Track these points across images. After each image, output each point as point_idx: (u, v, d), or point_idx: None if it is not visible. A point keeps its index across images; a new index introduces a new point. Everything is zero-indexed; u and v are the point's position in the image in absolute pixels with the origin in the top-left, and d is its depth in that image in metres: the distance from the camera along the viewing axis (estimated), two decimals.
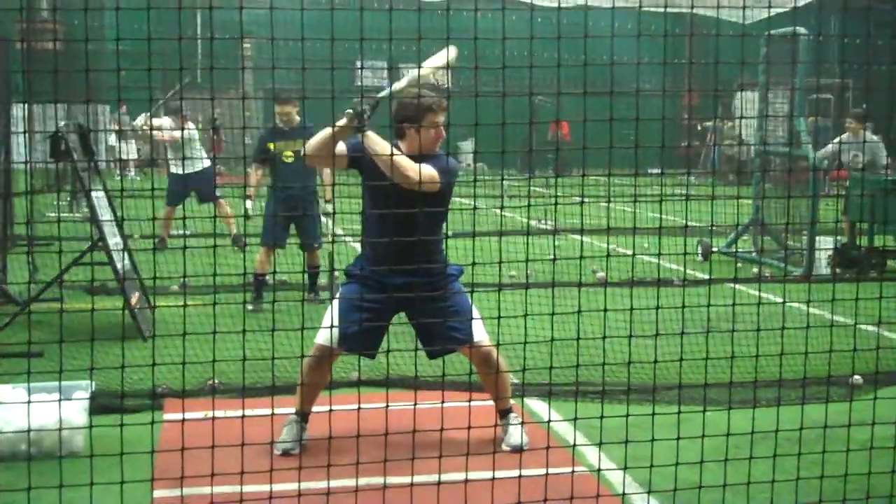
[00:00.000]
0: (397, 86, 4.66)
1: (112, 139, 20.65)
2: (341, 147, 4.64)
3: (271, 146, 8.51)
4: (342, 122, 4.43)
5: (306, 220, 8.51)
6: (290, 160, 8.39)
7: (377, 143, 4.51)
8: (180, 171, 11.79)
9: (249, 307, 8.36)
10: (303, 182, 8.42)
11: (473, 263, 3.45)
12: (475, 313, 4.81)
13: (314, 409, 4.93)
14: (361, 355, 4.82)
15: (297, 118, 8.51)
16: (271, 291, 8.58)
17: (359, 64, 5.86)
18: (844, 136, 12.22)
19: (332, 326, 4.62)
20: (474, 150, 4.16)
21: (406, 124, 4.73)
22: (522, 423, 5.02)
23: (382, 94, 4.59)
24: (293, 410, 4.98)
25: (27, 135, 5.82)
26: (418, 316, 4.79)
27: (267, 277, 8.77)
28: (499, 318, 3.46)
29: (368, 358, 4.94)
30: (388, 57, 3.89)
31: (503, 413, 5.05)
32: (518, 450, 4.80)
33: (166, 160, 12.22)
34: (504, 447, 4.88)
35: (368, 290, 4.76)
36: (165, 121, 12.03)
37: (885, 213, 10.65)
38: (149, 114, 10.79)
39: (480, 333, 4.91)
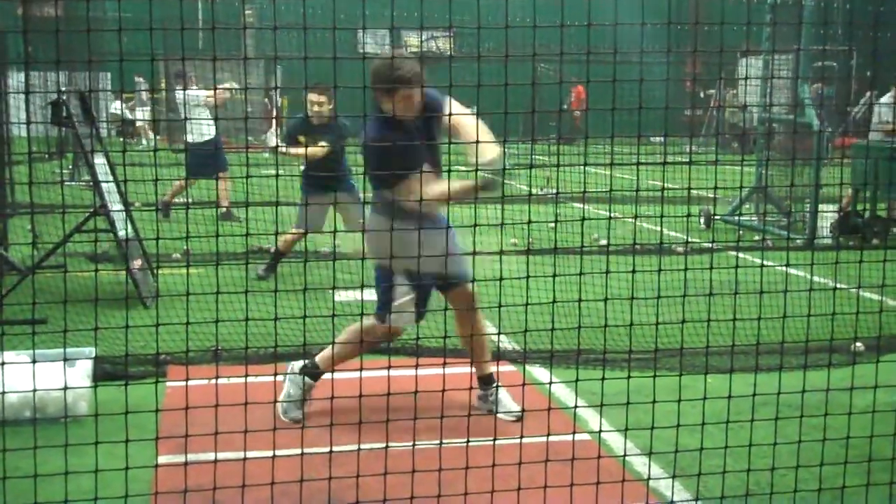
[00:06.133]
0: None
1: (113, 107, 20.61)
2: None
3: (301, 139, 8.09)
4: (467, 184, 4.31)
5: (348, 205, 7.94)
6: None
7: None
8: (198, 140, 11.56)
9: (260, 272, 8.44)
10: (334, 170, 8.12)
11: (475, 225, 3.43)
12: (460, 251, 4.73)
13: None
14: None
15: (328, 112, 8.06)
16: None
17: (360, 30, 5.81)
18: (885, 98, 12.24)
19: (389, 311, 4.60)
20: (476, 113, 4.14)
21: (381, 94, 4.52)
22: (498, 386, 4.95)
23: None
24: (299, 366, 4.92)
25: (26, 101, 5.80)
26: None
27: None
28: (500, 279, 3.45)
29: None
30: (389, 22, 3.85)
31: (486, 380, 4.99)
32: (518, 417, 4.78)
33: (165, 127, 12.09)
34: (502, 417, 4.85)
35: None
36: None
37: (890, 178, 10.61)
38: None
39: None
